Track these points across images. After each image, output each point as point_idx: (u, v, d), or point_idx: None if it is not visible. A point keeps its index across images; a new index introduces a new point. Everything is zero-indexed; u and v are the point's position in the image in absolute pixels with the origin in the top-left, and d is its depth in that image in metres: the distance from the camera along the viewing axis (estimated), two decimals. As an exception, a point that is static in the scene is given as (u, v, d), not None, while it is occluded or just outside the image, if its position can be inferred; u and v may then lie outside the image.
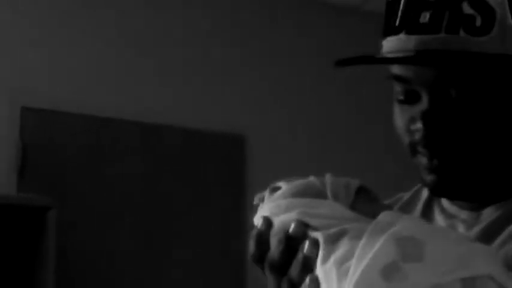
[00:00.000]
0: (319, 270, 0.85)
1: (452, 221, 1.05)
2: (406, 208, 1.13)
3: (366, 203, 0.95)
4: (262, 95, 3.59)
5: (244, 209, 3.30)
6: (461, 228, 1.03)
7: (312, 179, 0.99)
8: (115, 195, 3.00)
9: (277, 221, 0.94)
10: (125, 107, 3.12)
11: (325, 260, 0.85)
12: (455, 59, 0.92)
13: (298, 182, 0.99)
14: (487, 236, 0.99)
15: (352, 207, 0.94)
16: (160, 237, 3.09)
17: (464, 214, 1.04)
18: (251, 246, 0.94)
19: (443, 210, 1.08)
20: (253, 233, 0.94)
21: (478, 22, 0.92)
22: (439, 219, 1.08)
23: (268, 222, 0.94)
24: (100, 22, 3.18)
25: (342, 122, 3.82)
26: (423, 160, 0.98)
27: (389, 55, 0.95)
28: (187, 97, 3.31)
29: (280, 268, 0.90)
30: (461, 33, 0.91)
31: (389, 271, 0.78)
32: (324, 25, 3.81)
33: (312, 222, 0.90)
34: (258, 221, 0.95)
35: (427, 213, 1.10)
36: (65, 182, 2.92)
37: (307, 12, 3.75)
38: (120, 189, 3.01)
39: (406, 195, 1.15)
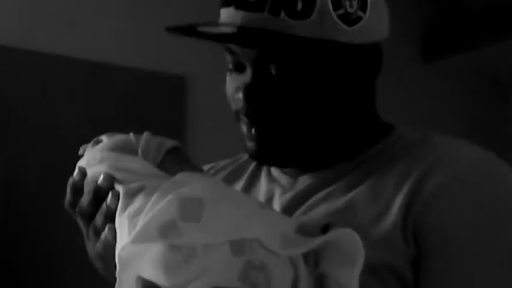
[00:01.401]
0: (116, 221, 0.90)
1: (272, 185, 1.14)
2: (243, 166, 1.24)
3: (174, 162, 0.99)
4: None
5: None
6: (277, 192, 1.12)
7: (130, 136, 1.03)
8: (58, 133, 2.95)
9: (90, 172, 0.99)
10: (71, 45, 3.05)
11: (122, 212, 0.90)
12: (271, 40, 0.97)
13: (118, 137, 1.03)
14: (296, 202, 1.07)
15: (160, 166, 0.98)
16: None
17: (283, 179, 1.13)
18: (67, 193, 1.00)
19: (269, 174, 1.17)
20: (69, 181, 1.00)
21: (299, 6, 0.96)
22: (263, 181, 1.17)
23: (82, 172, 1.00)
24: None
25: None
26: (244, 128, 1.05)
27: (214, 30, 0.99)
28: (131, 36, 3.25)
29: (89, 216, 0.97)
30: (282, 15, 0.96)
31: (166, 228, 0.81)
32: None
33: (118, 175, 0.95)
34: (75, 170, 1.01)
35: (255, 175, 1.20)
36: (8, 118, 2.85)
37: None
38: (63, 126, 2.95)
39: (246, 156, 1.22)
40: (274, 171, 1.16)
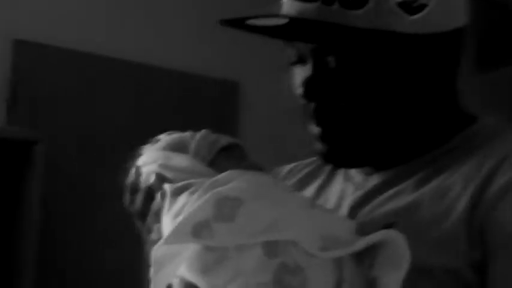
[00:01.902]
0: (163, 220, 0.90)
1: (346, 184, 1.09)
2: (322, 166, 1.16)
3: (227, 160, 0.97)
4: (257, 42, 3.54)
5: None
6: (349, 191, 1.06)
7: (186, 134, 1.02)
8: (106, 133, 2.96)
9: (144, 172, 1.00)
10: (122, 47, 3.07)
11: (167, 211, 0.90)
12: (321, 31, 0.93)
13: (174, 136, 1.03)
14: (364, 200, 1.02)
15: (213, 164, 0.97)
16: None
17: (358, 177, 1.07)
18: (125, 193, 1.01)
19: (346, 172, 1.11)
20: (127, 181, 1.01)
21: None
22: (338, 180, 1.11)
23: (138, 171, 1.00)
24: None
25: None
26: (312, 128, 1.01)
27: (264, 22, 0.96)
28: (184, 40, 3.26)
29: (143, 216, 0.97)
30: (336, 5, 0.92)
31: (199, 228, 0.80)
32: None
33: (168, 175, 0.95)
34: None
35: (333, 174, 1.14)
36: (56, 118, 2.89)
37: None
38: (111, 128, 2.98)
39: None
40: (352, 170, 1.09)
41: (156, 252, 0.83)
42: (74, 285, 2.83)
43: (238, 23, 0.96)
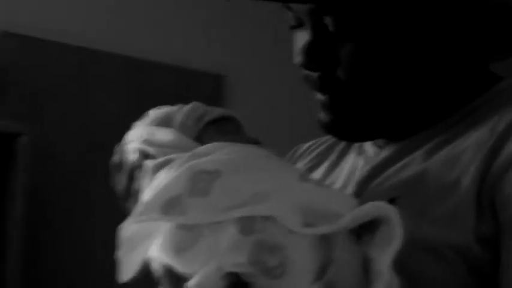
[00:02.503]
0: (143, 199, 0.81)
1: (358, 158, 0.99)
2: (335, 143, 1.08)
3: (217, 133, 0.90)
4: (245, 35, 3.53)
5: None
6: (360, 165, 0.97)
7: (175, 107, 0.95)
8: (97, 127, 2.94)
9: (128, 149, 0.92)
10: (113, 40, 3.05)
11: (147, 190, 0.82)
12: None
13: (162, 110, 0.96)
14: (373, 173, 0.92)
15: (201, 138, 0.90)
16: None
17: (370, 151, 0.98)
18: (111, 173, 0.93)
19: (360, 146, 1.01)
20: (112, 160, 0.93)
21: None
22: (351, 156, 1.02)
23: (122, 150, 0.93)
24: None
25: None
26: (316, 95, 0.91)
27: None
28: (171, 34, 3.24)
29: (127, 196, 0.89)
30: None
31: (171, 204, 0.73)
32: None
33: (151, 151, 0.87)
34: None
35: (346, 151, 1.05)
36: (46, 111, 2.85)
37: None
38: (102, 122, 2.95)
39: None
40: (367, 143, 0.99)
41: (125, 231, 0.75)
42: (61, 277, 2.80)
43: None
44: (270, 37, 3.57)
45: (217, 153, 0.79)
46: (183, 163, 0.78)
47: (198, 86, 3.23)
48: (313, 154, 1.10)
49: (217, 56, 3.34)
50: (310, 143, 1.14)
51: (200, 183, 0.73)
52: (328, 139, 1.10)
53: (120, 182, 0.91)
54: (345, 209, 0.73)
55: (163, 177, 0.80)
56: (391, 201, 0.80)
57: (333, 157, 1.05)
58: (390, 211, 0.70)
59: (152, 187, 0.80)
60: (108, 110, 2.98)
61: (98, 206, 2.80)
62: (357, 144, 1.01)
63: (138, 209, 0.75)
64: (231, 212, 0.71)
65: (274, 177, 0.77)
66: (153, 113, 0.97)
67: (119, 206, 0.92)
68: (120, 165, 0.93)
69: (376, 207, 0.71)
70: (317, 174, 1.04)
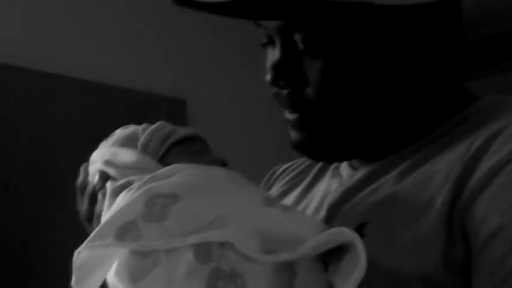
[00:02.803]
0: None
1: (332, 180, 0.96)
2: (312, 165, 1.05)
3: (182, 154, 0.87)
4: (204, 59, 3.53)
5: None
6: (334, 187, 0.94)
7: (140, 126, 0.92)
8: (55, 153, 2.89)
9: (91, 170, 0.89)
10: (71, 64, 3.02)
11: (106, 214, 0.80)
12: (283, 3, 0.78)
13: (127, 130, 0.94)
14: (346, 197, 0.89)
15: (165, 159, 0.87)
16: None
17: (345, 172, 0.95)
18: (76, 195, 0.90)
19: (335, 168, 0.99)
20: (76, 181, 0.91)
21: None
22: (326, 178, 0.99)
23: (85, 171, 0.90)
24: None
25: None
26: (285, 114, 0.88)
27: None
28: (131, 58, 3.23)
29: (89, 220, 0.87)
30: None
31: (125, 230, 0.69)
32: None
33: (112, 172, 0.85)
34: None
35: (322, 172, 1.01)
36: (1, 136, 2.80)
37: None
38: (61, 147, 2.91)
39: None
40: (343, 164, 0.96)
41: (77, 257, 0.71)
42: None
43: (189, 1, 0.81)
44: (229, 60, 3.58)
45: (177, 176, 0.76)
46: (141, 186, 0.75)
47: (158, 109, 3.22)
48: (290, 176, 1.07)
49: (177, 79, 3.33)
50: (287, 165, 1.11)
51: (156, 207, 0.70)
52: (305, 160, 1.08)
53: (82, 205, 0.88)
54: (311, 235, 0.69)
55: (120, 201, 0.77)
56: (360, 226, 0.78)
57: (308, 179, 1.02)
58: (354, 238, 0.66)
59: (110, 211, 0.77)
60: (66, 135, 2.94)
61: (58, 233, 2.76)
62: (332, 166, 0.99)
63: (92, 234, 0.71)
64: (186, 238, 0.68)
65: (236, 201, 0.74)
66: (118, 133, 0.94)
67: (84, 230, 0.89)
68: (83, 187, 0.90)
69: (340, 234, 0.67)
70: (292, 196, 1.02)
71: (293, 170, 1.08)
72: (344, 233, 0.67)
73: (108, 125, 3.34)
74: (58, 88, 2.96)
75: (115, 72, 3.14)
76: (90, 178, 0.89)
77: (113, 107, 3.09)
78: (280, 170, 1.11)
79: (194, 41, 3.48)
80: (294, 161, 1.09)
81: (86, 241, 0.71)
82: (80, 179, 0.91)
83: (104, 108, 3.07)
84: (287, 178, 1.07)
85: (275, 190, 1.07)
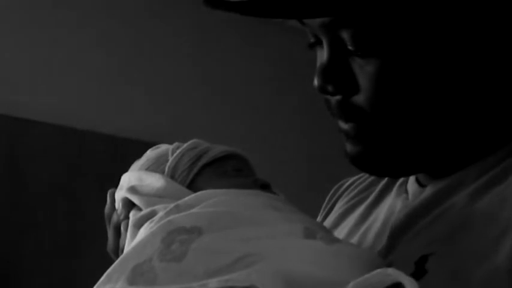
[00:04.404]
0: None
1: (397, 199, 0.83)
2: (377, 180, 0.92)
3: (212, 177, 0.77)
4: (181, 102, 3.54)
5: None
6: (398, 208, 0.81)
7: (171, 146, 0.83)
8: (30, 201, 2.89)
9: (118, 196, 0.82)
10: (45, 110, 3.02)
11: (126, 248, 0.73)
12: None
13: (157, 151, 0.85)
14: (408, 223, 0.76)
15: (196, 182, 0.78)
16: (72, 238, 2.88)
17: (412, 188, 0.81)
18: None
19: (402, 183, 0.85)
20: (105, 210, 0.84)
21: None
22: (392, 195, 0.85)
23: (112, 197, 0.83)
24: None
25: (266, 126, 3.62)
26: (339, 123, 0.76)
27: None
28: (106, 103, 3.24)
29: (116, 253, 0.79)
30: None
31: (139, 271, 0.62)
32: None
33: (136, 200, 0.77)
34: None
35: (387, 188, 0.88)
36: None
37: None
38: (36, 194, 2.91)
39: None
40: (410, 179, 0.82)
41: None
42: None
43: (222, 2, 0.70)
44: (203, 101, 3.58)
45: (204, 204, 0.69)
46: (161, 218, 0.68)
47: (133, 154, 3.19)
48: (355, 191, 0.94)
49: (150, 123, 3.32)
50: (355, 178, 0.97)
51: (175, 244, 0.63)
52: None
53: (109, 238, 0.81)
54: (354, 274, 0.61)
55: (140, 235, 0.70)
56: (423, 258, 0.67)
57: (373, 196, 0.89)
58: (404, 279, 0.58)
59: (129, 246, 0.70)
60: (42, 180, 2.93)
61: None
62: (398, 182, 0.85)
63: (103, 276, 0.65)
64: (206, 282, 0.60)
65: (270, 234, 0.66)
66: (147, 154, 0.86)
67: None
68: (109, 216, 0.82)
69: (386, 276, 0.59)
70: (355, 215, 0.90)
71: (359, 184, 0.95)
72: (392, 275, 0.59)
73: (84, 171, 3.26)
74: (32, 134, 2.96)
75: (89, 117, 3.12)
76: (116, 206, 0.81)
77: (89, 153, 3.08)
78: (347, 183, 0.98)
79: (168, 85, 3.47)
80: (362, 174, 0.94)
81: (97, 284, 0.65)
82: (106, 207, 0.83)
83: (80, 154, 3.07)
84: (352, 194, 0.94)
85: (338, 207, 0.96)
